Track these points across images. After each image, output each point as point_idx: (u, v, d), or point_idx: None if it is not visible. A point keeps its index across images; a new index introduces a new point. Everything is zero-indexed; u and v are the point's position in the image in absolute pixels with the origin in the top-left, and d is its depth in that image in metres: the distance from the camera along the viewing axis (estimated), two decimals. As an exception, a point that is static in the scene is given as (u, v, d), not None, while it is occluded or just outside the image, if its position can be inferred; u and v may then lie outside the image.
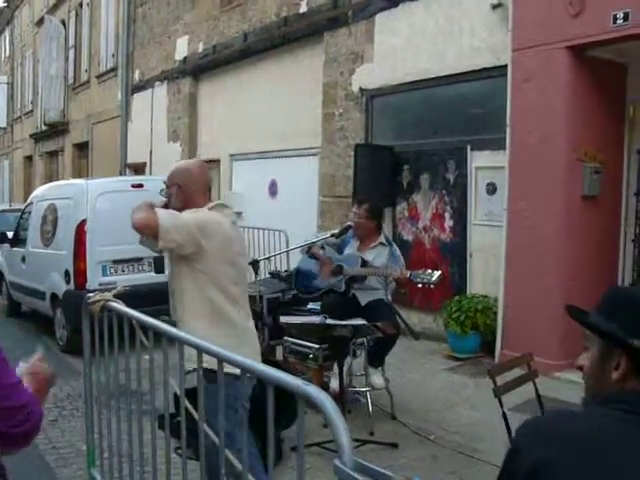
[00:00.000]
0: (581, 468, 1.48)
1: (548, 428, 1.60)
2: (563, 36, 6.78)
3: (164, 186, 3.84)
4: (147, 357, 3.31)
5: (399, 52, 9.21)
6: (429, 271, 5.57)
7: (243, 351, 2.82)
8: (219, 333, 3.45)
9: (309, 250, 6.21)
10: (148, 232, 3.51)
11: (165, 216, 3.49)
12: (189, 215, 3.56)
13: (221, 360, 2.32)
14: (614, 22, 6.30)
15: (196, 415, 2.62)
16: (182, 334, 2.60)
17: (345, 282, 5.92)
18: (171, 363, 2.99)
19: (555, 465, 1.49)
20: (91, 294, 3.63)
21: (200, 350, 2.44)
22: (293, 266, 7.08)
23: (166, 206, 3.75)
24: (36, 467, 4.92)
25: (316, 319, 4.94)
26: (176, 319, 3.70)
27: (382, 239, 6.10)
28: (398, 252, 6.16)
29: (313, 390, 1.86)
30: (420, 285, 5.61)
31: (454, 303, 7.81)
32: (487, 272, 8.05)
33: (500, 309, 7.54)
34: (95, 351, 3.78)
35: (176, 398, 3.22)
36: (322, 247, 6.18)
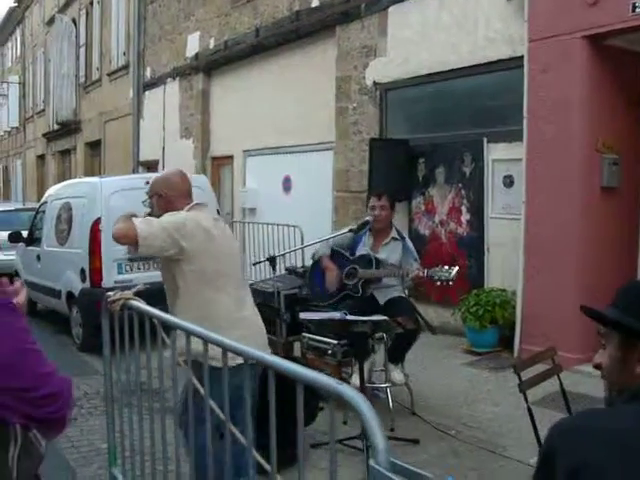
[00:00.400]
0: (622, 466, 1.45)
1: (583, 428, 1.57)
2: (580, 25, 6.70)
3: (146, 197, 4.02)
4: (168, 355, 3.29)
5: (413, 45, 9.13)
6: (446, 267, 5.50)
7: (234, 334, 3.00)
8: (209, 328, 3.31)
9: (317, 260, 6.12)
10: (126, 241, 3.69)
11: (142, 225, 3.64)
12: (166, 219, 3.72)
13: (247, 358, 2.28)
14: (633, 10, 6.21)
15: (222, 415, 2.58)
16: (206, 332, 2.55)
17: (361, 285, 5.86)
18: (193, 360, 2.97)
19: (596, 465, 1.46)
20: (111, 292, 3.62)
21: (225, 348, 2.40)
22: (308, 262, 7.03)
23: (150, 215, 3.90)
24: (56, 466, 4.89)
25: (336, 315, 4.89)
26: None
27: (394, 233, 6.04)
28: (411, 245, 6.10)
29: (347, 390, 1.81)
30: (438, 283, 5.55)
31: (472, 297, 7.75)
32: (505, 266, 7.97)
33: (519, 303, 7.47)
34: (115, 349, 3.76)
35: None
36: (333, 250, 6.08)
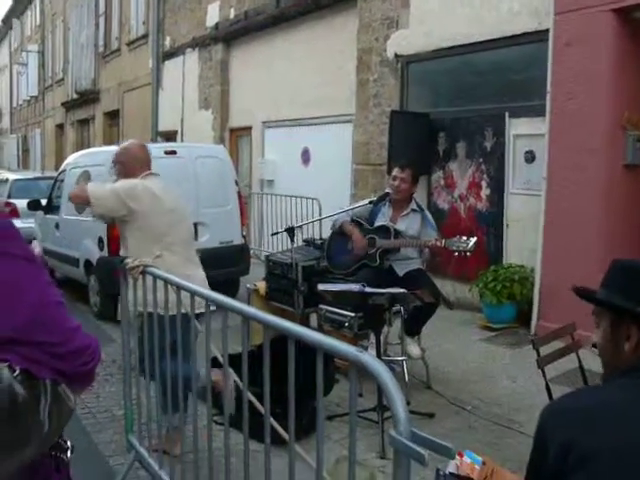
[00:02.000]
0: (608, 441, 1.48)
1: (571, 408, 1.60)
2: (608, -2, 6.58)
3: (112, 164, 4.64)
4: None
5: (435, 17, 9.00)
6: (464, 238, 5.46)
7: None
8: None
9: (340, 227, 6.09)
10: (80, 202, 4.39)
11: (93, 188, 4.31)
12: (118, 184, 4.34)
13: (266, 325, 2.27)
14: (663, -17, 6.09)
15: (240, 384, 2.58)
16: (226, 299, 2.54)
17: (379, 255, 5.83)
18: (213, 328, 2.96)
19: (584, 443, 1.49)
20: (129, 259, 3.62)
21: (246, 317, 2.38)
22: (326, 235, 7.01)
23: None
24: (73, 431, 4.91)
25: (355, 287, 4.87)
26: None
27: (414, 205, 6.00)
28: (430, 217, 6.07)
29: (368, 358, 1.79)
30: (456, 253, 5.51)
31: (490, 273, 7.70)
32: (524, 242, 7.91)
33: (537, 279, 7.43)
34: (132, 317, 3.77)
35: (214, 363, 3.20)
36: (352, 220, 6.07)
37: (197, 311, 3.23)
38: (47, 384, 1.64)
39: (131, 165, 4.46)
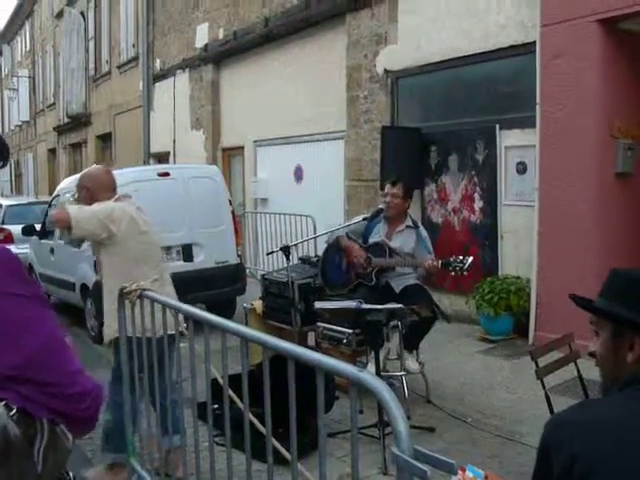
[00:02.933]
0: (613, 453, 1.48)
1: (575, 421, 1.60)
2: (594, 9, 6.63)
3: (75, 191, 4.66)
4: (184, 345, 3.30)
5: (424, 32, 9.07)
6: (460, 258, 5.48)
7: None
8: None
9: (336, 240, 6.09)
10: (62, 225, 4.29)
11: (75, 210, 4.25)
12: (96, 207, 4.32)
13: (268, 348, 2.27)
14: (647, -7, 6.15)
15: (240, 404, 2.58)
16: (226, 322, 2.55)
17: (374, 274, 5.84)
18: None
19: (586, 457, 1.49)
20: (126, 284, 3.62)
21: (245, 339, 2.39)
22: (321, 252, 7.03)
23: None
24: (75, 459, 4.90)
25: (352, 304, 4.88)
26: None
27: (409, 222, 6.02)
28: (425, 234, 6.07)
29: (368, 377, 1.80)
30: (452, 273, 5.52)
31: (486, 284, 7.72)
32: (519, 253, 7.94)
33: (533, 290, 7.45)
34: (132, 341, 3.76)
35: (213, 386, 3.21)
36: (348, 236, 6.09)
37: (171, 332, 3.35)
38: (44, 423, 1.64)
39: (96, 191, 4.45)
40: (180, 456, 3.73)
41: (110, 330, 4.25)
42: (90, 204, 4.38)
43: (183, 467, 3.47)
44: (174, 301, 3.17)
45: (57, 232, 9.14)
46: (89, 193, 4.47)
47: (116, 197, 4.46)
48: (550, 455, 1.57)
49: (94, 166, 4.97)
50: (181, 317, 3.39)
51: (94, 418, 1.78)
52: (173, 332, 3.36)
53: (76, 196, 4.62)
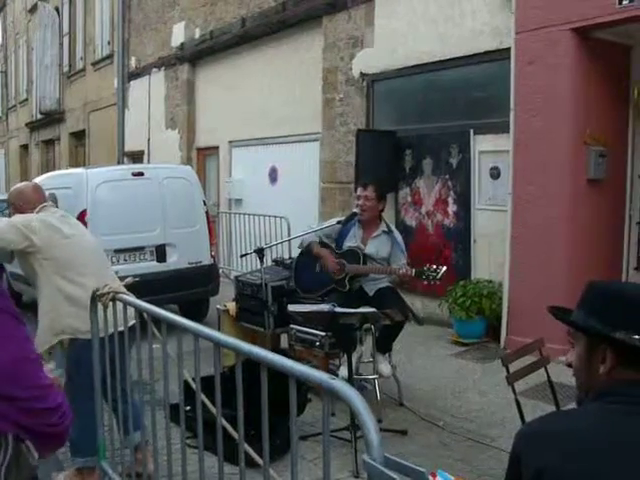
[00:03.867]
0: (582, 466, 1.50)
1: (545, 432, 1.62)
2: (567, 18, 6.71)
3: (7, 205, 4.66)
4: (157, 346, 3.29)
5: (400, 36, 9.11)
6: (434, 267, 5.51)
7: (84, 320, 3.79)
8: (61, 314, 4.17)
9: (308, 247, 6.09)
10: None
11: None
12: (15, 218, 4.31)
13: (239, 353, 2.28)
14: (620, 3, 6.22)
15: (213, 410, 2.58)
16: (199, 327, 2.55)
17: (348, 281, 5.86)
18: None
19: (556, 467, 1.51)
20: (99, 286, 3.60)
21: (218, 344, 2.39)
22: (295, 254, 7.03)
23: None
24: (44, 460, 4.86)
25: (325, 307, 4.89)
26: None
27: (384, 227, 6.03)
28: (399, 238, 6.08)
29: (340, 384, 1.81)
30: (425, 282, 5.56)
31: (459, 288, 7.77)
32: (491, 257, 8.00)
33: (505, 293, 7.51)
34: (105, 342, 3.74)
35: (185, 388, 3.20)
36: (321, 241, 6.09)
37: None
38: (8, 439, 1.62)
39: (24, 208, 4.43)
40: (149, 452, 3.73)
41: (44, 338, 4.21)
42: None
43: (152, 462, 3.45)
44: (147, 304, 3.14)
45: None
46: (17, 210, 4.46)
47: (37, 209, 4.42)
48: (520, 465, 1.58)
49: (22, 183, 4.90)
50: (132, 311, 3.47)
51: (64, 434, 1.76)
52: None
53: (7, 212, 4.64)
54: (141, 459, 3.92)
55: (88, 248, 4.51)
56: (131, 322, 3.51)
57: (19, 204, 4.46)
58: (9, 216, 4.51)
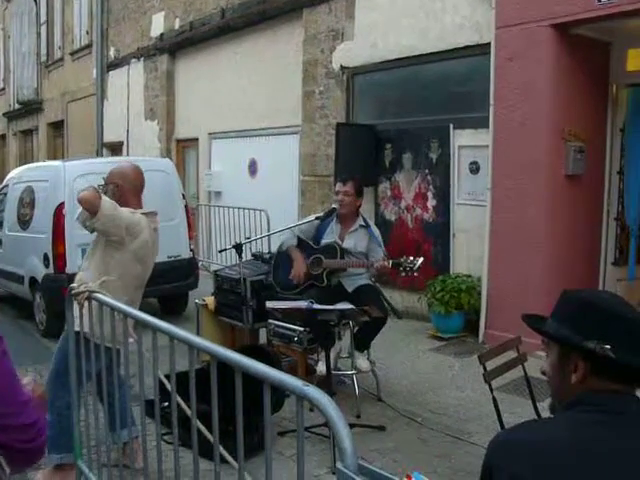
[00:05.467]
0: (553, 476, 1.51)
1: (518, 441, 1.63)
2: (547, 14, 6.73)
3: (102, 182, 4.51)
4: (132, 340, 3.27)
5: (380, 29, 9.09)
6: (411, 258, 5.51)
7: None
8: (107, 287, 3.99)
9: (287, 251, 6.07)
10: (87, 207, 4.14)
11: (107, 204, 4.14)
12: (125, 213, 4.24)
13: (215, 357, 2.26)
14: (599, 0, 6.24)
15: (187, 410, 2.56)
16: (174, 329, 2.53)
17: (326, 276, 5.85)
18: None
19: (527, 477, 1.52)
20: (74, 284, 3.57)
21: (192, 346, 2.37)
22: (274, 248, 7.01)
23: None
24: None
25: (303, 304, 4.88)
26: None
27: (361, 221, 6.03)
28: (376, 232, 6.08)
29: (313, 391, 1.80)
30: (403, 274, 5.56)
31: (438, 283, 7.79)
32: (470, 251, 8.03)
33: (484, 288, 7.55)
34: (80, 340, 3.71)
35: (161, 383, 3.19)
36: (299, 239, 6.07)
37: None
38: None
39: (127, 190, 4.40)
40: (139, 447, 3.70)
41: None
42: (117, 201, 4.29)
43: (142, 457, 3.43)
44: (122, 305, 3.12)
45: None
46: (118, 191, 4.38)
47: (147, 211, 4.41)
48: (492, 474, 1.59)
49: (127, 163, 4.80)
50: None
51: (39, 450, 1.74)
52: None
53: (102, 188, 4.43)
54: (132, 452, 3.87)
55: (149, 267, 4.50)
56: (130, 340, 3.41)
57: (121, 185, 4.39)
58: (104, 192, 4.36)
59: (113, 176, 4.46)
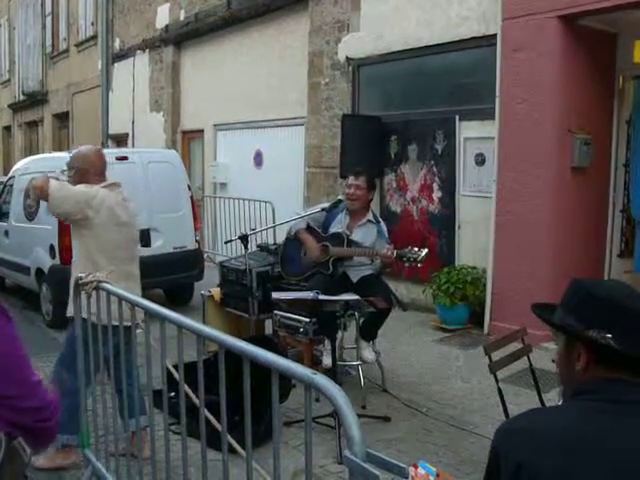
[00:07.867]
0: (558, 463, 1.52)
1: (525, 429, 1.64)
2: (554, 5, 6.70)
3: (66, 167, 4.57)
4: (139, 331, 3.29)
5: (386, 21, 9.07)
6: (415, 249, 5.49)
7: None
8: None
9: (296, 234, 6.07)
10: (39, 193, 4.23)
11: (56, 186, 4.22)
12: (79, 189, 4.28)
13: (223, 346, 2.28)
14: (606, -9, 6.23)
15: (196, 400, 2.58)
16: (182, 318, 2.54)
17: (332, 263, 5.85)
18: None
19: (530, 465, 1.54)
20: (82, 274, 3.59)
21: (201, 336, 2.39)
22: (280, 239, 7.02)
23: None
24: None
25: (309, 294, 4.89)
26: None
27: (370, 216, 6.00)
28: (385, 230, 6.04)
29: (322, 381, 1.82)
30: (407, 264, 5.55)
31: (443, 274, 7.80)
32: (476, 243, 8.03)
33: (489, 280, 7.55)
34: (87, 330, 3.73)
35: (169, 373, 3.21)
36: (307, 225, 6.07)
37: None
38: (1, 437, 1.62)
39: (86, 172, 4.40)
40: (147, 437, 3.72)
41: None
42: (79, 182, 4.34)
43: (150, 446, 3.45)
44: (131, 294, 3.14)
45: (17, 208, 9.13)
46: (79, 174, 4.41)
47: (105, 184, 4.39)
48: (499, 462, 1.60)
49: (87, 146, 4.82)
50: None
51: (54, 430, 1.76)
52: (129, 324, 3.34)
53: (65, 173, 4.54)
54: (140, 442, 3.88)
55: (131, 240, 4.53)
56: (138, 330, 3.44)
57: (82, 167, 4.41)
58: (68, 177, 4.47)
59: (74, 160, 4.51)
